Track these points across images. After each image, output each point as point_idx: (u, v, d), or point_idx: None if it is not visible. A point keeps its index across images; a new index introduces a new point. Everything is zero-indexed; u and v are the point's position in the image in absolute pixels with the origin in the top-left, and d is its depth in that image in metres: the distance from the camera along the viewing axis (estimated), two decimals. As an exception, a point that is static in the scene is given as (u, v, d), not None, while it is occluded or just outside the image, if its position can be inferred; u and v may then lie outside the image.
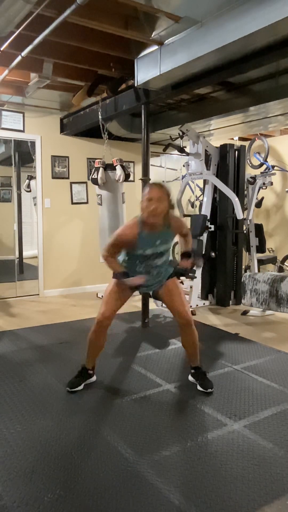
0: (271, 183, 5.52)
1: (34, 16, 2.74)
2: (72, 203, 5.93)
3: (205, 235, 4.97)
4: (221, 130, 5.69)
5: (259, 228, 5.51)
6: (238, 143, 5.57)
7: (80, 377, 2.79)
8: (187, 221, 5.49)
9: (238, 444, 2.15)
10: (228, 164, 5.03)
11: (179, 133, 4.91)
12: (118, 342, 3.81)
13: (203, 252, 4.96)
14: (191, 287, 5.01)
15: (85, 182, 5.95)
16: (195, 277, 4.90)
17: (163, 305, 3.35)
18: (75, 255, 5.99)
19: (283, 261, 6.21)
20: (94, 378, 2.87)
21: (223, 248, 5.18)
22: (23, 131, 5.49)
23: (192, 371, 2.86)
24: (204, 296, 5.36)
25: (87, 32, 3.21)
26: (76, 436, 2.22)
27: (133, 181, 6.07)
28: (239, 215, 4.75)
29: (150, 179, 4.15)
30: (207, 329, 4.25)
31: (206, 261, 5.17)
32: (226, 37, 2.76)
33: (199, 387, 2.77)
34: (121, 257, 2.69)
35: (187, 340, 2.77)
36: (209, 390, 2.73)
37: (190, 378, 2.89)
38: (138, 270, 2.63)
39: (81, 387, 2.76)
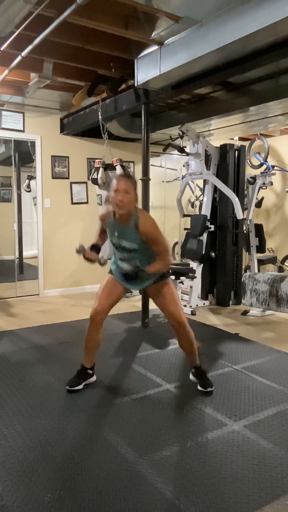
0: (271, 183, 5.52)
1: (34, 16, 2.75)
2: (72, 203, 5.93)
3: (205, 235, 4.97)
4: (221, 130, 5.69)
5: (259, 228, 5.51)
6: (238, 143, 5.56)
7: (79, 377, 2.80)
8: (187, 221, 5.51)
9: (238, 444, 2.15)
10: (228, 164, 5.03)
11: (179, 133, 4.91)
12: (118, 342, 3.81)
13: (203, 252, 4.96)
14: (191, 287, 5.01)
15: (85, 182, 5.96)
16: (195, 277, 4.90)
17: None
18: (75, 255, 5.94)
19: (283, 261, 6.21)
20: (94, 378, 2.88)
21: (223, 248, 5.19)
22: (23, 131, 5.49)
23: (193, 370, 2.86)
24: (204, 296, 5.36)
25: (87, 32, 3.21)
26: (76, 436, 2.23)
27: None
28: (239, 215, 4.75)
29: (150, 179, 4.16)
30: (207, 329, 4.25)
31: (206, 261, 5.18)
32: (226, 37, 2.76)
33: (199, 387, 2.77)
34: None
35: (182, 341, 2.75)
36: (209, 389, 2.72)
37: (191, 377, 2.89)
38: (116, 257, 2.71)
39: (80, 387, 2.76)
